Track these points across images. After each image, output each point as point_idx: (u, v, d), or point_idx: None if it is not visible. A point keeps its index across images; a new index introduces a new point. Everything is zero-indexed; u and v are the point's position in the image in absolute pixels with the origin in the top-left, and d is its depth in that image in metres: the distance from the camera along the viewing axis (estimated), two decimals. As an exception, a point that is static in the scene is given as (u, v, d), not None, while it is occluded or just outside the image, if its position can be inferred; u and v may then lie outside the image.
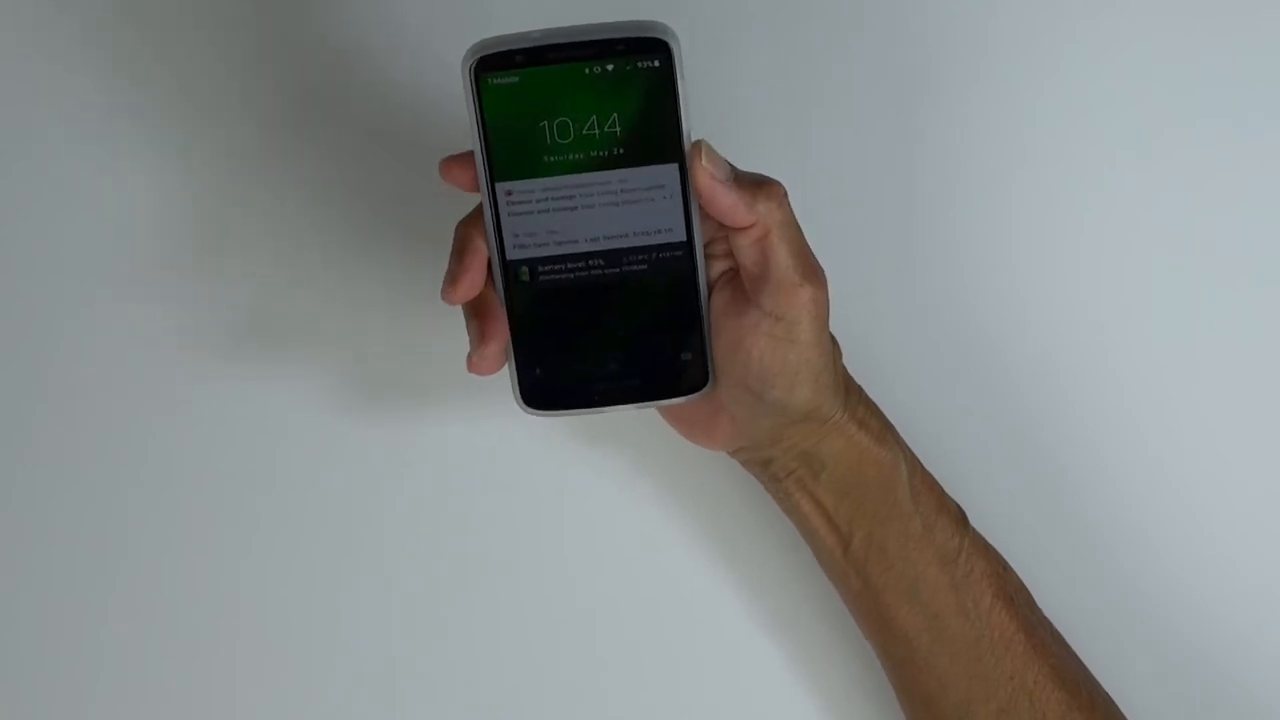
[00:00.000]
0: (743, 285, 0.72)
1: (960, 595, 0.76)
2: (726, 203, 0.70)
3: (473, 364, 0.72)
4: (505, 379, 0.73)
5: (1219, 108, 0.86)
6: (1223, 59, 0.86)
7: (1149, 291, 0.86)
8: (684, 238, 0.71)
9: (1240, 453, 0.85)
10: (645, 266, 0.71)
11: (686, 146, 0.70)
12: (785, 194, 0.71)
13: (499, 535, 0.85)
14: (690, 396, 0.73)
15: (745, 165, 0.72)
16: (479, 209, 0.71)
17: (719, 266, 0.73)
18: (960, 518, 0.77)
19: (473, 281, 0.71)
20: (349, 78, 0.85)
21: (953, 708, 0.77)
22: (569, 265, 0.71)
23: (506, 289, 0.71)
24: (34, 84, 0.86)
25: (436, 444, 0.85)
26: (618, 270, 0.71)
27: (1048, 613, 0.79)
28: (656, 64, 0.68)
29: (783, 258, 0.70)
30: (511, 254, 0.71)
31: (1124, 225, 0.86)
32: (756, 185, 0.70)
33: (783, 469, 0.76)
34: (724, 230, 0.71)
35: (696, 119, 0.70)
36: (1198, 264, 0.86)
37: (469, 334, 0.72)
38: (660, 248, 0.71)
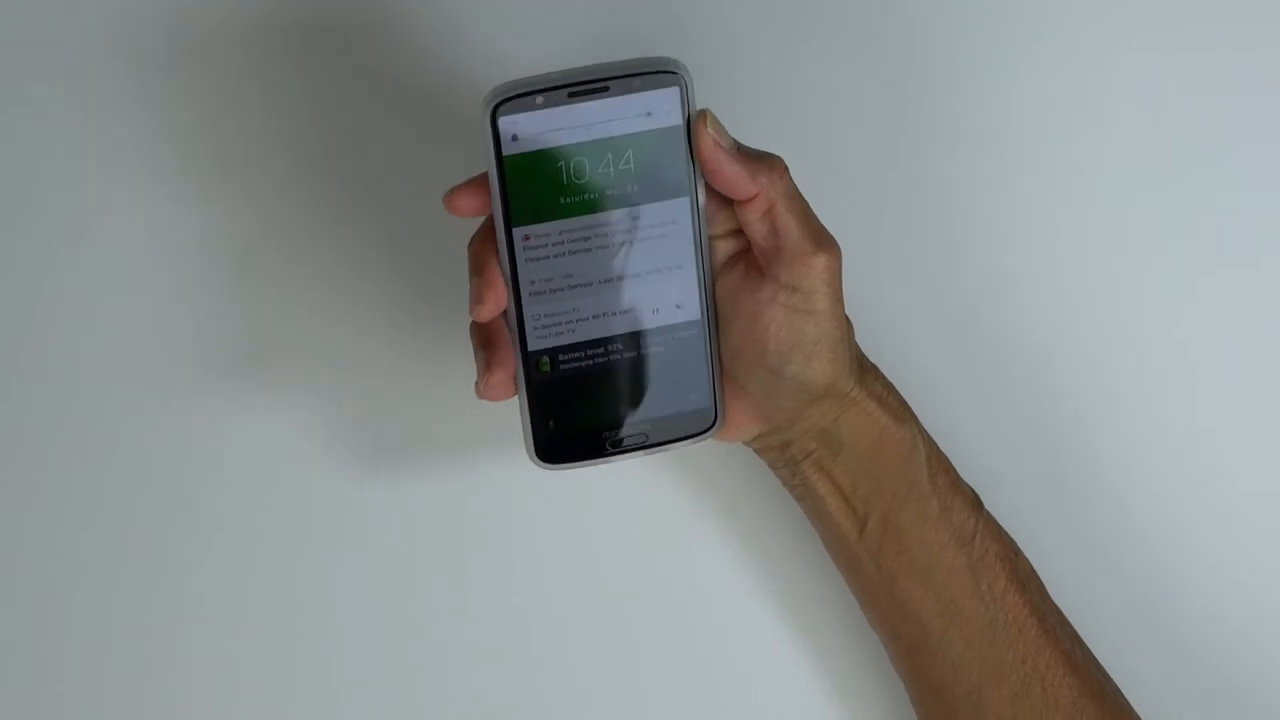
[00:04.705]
0: (756, 261, 0.73)
1: (975, 577, 0.76)
2: (729, 173, 0.71)
3: (481, 391, 0.72)
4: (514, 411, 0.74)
5: (1245, 99, 0.86)
6: (1247, 56, 0.86)
7: (1166, 281, 0.86)
8: (697, 315, 0.73)
9: (1250, 446, 0.85)
10: (662, 348, 0.74)
11: (695, 181, 0.72)
12: (786, 167, 0.72)
13: (506, 550, 0.85)
14: (700, 438, 0.75)
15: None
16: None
17: (729, 247, 0.74)
18: (975, 500, 0.77)
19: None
20: (369, 107, 0.85)
21: (964, 694, 0.76)
22: (588, 352, 0.73)
23: (525, 366, 0.73)
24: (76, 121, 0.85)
25: (446, 472, 0.85)
26: (635, 353, 0.74)
27: (1055, 600, 0.78)
28: None
29: (792, 227, 0.71)
30: (533, 344, 0.73)
31: (1145, 210, 0.86)
32: (758, 158, 0.71)
33: (801, 451, 0.75)
34: (730, 207, 0.72)
35: (702, 101, 0.72)
36: (1221, 255, 0.86)
37: (476, 363, 0.73)
38: (677, 326, 0.73)
